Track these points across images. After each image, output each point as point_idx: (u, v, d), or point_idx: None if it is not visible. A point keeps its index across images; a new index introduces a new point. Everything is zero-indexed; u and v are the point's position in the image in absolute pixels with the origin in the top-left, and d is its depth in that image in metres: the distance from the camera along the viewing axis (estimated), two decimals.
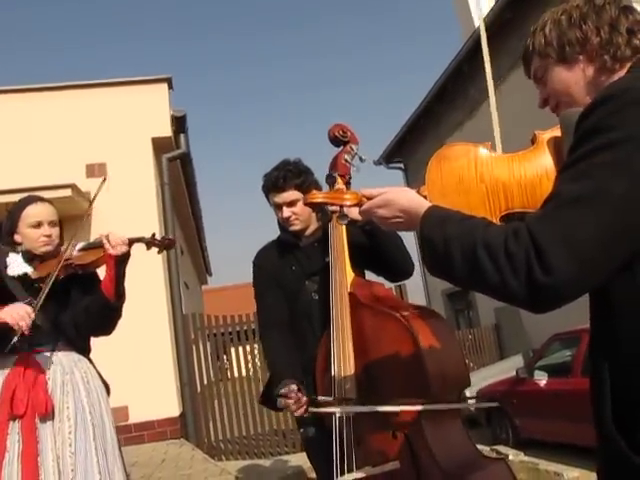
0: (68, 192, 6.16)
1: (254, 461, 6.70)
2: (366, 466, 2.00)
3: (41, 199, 2.63)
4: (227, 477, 4.88)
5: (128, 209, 6.96)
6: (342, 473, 2.02)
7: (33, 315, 2.27)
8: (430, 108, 13.89)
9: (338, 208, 1.53)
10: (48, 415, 2.36)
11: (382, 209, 1.32)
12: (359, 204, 1.41)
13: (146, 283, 6.78)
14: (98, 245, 2.52)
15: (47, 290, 2.36)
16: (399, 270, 2.46)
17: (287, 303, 2.46)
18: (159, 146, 7.61)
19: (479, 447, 2.17)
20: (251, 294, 2.58)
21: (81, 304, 2.52)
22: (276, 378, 2.31)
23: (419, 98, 14.12)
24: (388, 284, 2.55)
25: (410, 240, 2.40)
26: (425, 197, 1.33)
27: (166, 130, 7.50)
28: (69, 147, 7.04)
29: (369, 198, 1.36)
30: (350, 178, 2.34)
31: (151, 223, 7.18)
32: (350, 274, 2.26)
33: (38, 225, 2.51)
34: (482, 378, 8.74)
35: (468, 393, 8.45)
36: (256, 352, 7.57)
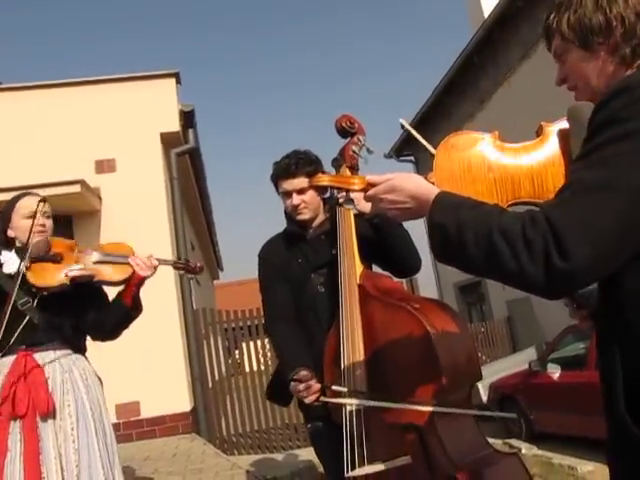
0: (77, 188, 6.16)
1: (266, 455, 6.70)
2: (376, 460, 1.97)
3: (33, 193, 2.64)
4: (238, 471, 4.87)
5: (137, 204, 6.99)
6: (352, 468, 1.99)
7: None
8: (440, 100, 13.81)
9: (344, 193, 1.51)
10: (49, 414, 2.36)
11: (389, 194, 1.30)
12: (366, 189, 1.39)
13: (156, 279, 6.77)
14: (123, 262, 2.51)
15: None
16: (406, 265, 2.43)
17: (293, 296, 2.43)
18: (168, 141, 7.61)
19: (492, 441, 2.14)
20: None
21: (98, 314, 2.56)
22: (287, 367, 2.27)
23: (427, 91, 14.06)
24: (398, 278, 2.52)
25: (417, 234, 2.36)
26: (433, 184, 1.31)
27: (174, 125, 7.50)
28: (78, 143, 7.06)
29: (376, 185, 1.34)
30: (358, 170, 2.31)
31: (161, 218, 7.20)
32: (359, 266, 2.23)
33: (32, 216, 2.48)
34: (495, 371, 8.69)
35: (481, 386, 8.42)
36: (268, 346, 7.56)
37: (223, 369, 7.52)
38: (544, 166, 1.37)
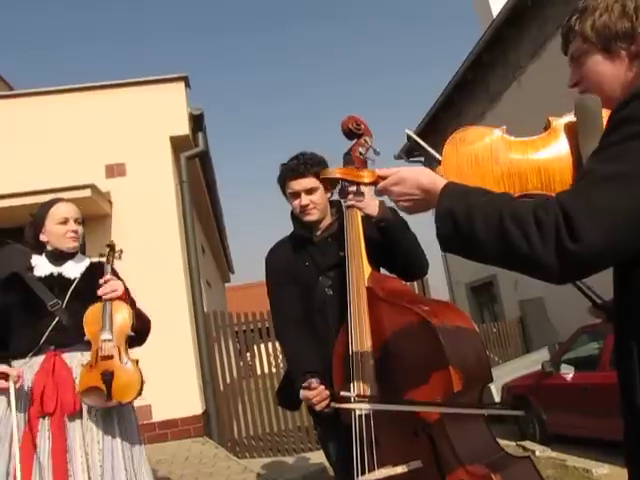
0: (88, 192, 6.20)
1: (277, 458, 6.70)
2: (387, 465, 1.95)
3: (65, 200, 2.76)
4: (250, 475, 4.87)
5: (148, 208, 7.00)
6: (362, 472, 1.97)
7: None
8: (450, 99, 13.75)
9: (355, 187, 1.52)
10: (76, 414, 2.43)
11: (398, 186, 1.32)
12: (375, 182, 1.41)
13: (167, 283, 6.81)
14: (106, 310, 2.56)
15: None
16: (413, 268, 2.41)
17: (301, 299, 2.42)
18: (177, 145, 7.63)
19: (505, 443, 2.11)
20: None
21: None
22: (297, 372, 2.27)
23: (437, 91, 14.01)
24: None
25: (424, 238, 2.34)
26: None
27: (184, 128, 7.51)
28: (88, 148, 7.09)
29: (385, 178, 1.36)
30: None
31: (171, 222, 7.21)
32: (367, 268, 2.21)
33: (65, 222, 2.63)
34: (507, 372, 8.62)
35: (493, 387, 8.36)
36: (279, 349, 7.54)
37: (234, 372, 7.51)
38: (551, 159, 1.39)
